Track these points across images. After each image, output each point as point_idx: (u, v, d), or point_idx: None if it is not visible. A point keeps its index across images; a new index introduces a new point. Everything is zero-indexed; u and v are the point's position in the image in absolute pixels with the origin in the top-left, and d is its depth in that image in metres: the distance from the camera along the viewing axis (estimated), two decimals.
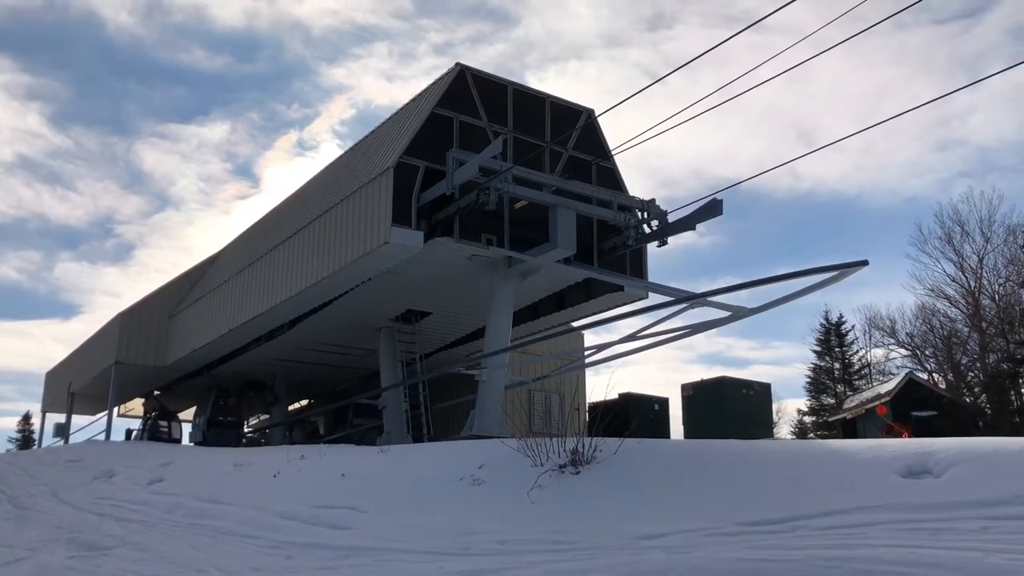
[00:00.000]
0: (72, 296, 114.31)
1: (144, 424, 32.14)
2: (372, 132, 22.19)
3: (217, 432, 28.74)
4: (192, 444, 28.89)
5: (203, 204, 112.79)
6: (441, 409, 22.18)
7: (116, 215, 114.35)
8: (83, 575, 9.77)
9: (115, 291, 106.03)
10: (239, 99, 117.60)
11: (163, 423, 31.24)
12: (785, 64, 11.97)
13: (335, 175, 22.59)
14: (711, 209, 17.78)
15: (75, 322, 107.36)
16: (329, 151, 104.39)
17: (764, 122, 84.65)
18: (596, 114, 20.47)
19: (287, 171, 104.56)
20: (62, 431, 34.59)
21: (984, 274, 36.32)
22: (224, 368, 27.72)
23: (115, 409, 32.06)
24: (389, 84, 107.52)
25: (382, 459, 13.71)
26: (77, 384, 33.00)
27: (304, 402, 33.88)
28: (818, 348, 47.19)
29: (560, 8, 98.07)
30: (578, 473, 10.30)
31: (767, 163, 76.29)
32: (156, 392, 32.91)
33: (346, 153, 23.73)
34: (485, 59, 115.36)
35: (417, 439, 20.23)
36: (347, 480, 12.52)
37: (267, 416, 31.73)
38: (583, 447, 10.62)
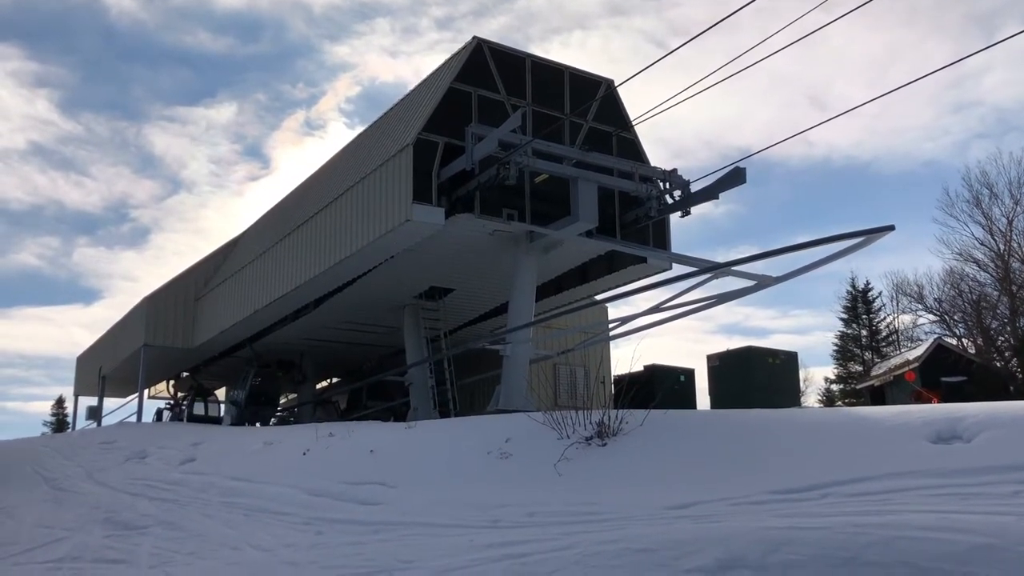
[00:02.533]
0: (92, 281, 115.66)
1: (177, 404, 32.56)
2: (391, 109, 22.14)
3: (254, 410, 27.80)
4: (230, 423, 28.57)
5: (215, 186, 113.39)
6: (466, 385, 22.29)
7: (130, 200, 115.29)
8: (121, 554, 9.95)
9: (133, 276, 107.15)
10: (245, 80, 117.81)
11: (202, 402, 31.53)
12: (793, 28, 11.77)
13: (355, 154, 22.60)
14: (734, 177, 17.62)
15: (97, 307, 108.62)
16: (337, 130, 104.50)
17: (774, 89, 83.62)
18: (615, 84, 20.29)
19: (297, 151, 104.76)
20: (95, 414, 35.16)
21: (1014, 237, 35.75)
22: (250, 349, 27.97)
23: (145, 391, 32.51)
24: (393, 60, 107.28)
25: (410, 435, 13.81)
26: (107, 367, 33.50)
27: (332, 380, 34.16)
28: (845, 316, 46.90)
29: None
30: (604, 445, 10.32)
31: (778, 130, 75.36)
32: (184, 374, 33.32)
33: (365, 131, 23.72)
34: (488, 32, 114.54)
35: (444, 415, 20.34)
36: (375, 456, 12.62)
37: (295, 395, 32.05)
38: (609, 419, 10.62)
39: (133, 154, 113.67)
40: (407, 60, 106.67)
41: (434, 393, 21.03)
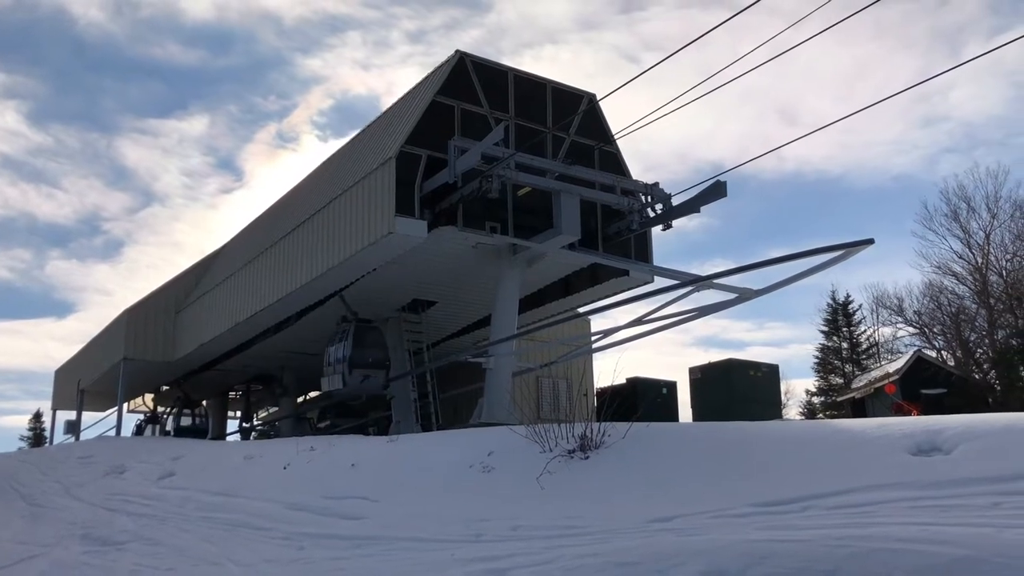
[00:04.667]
0: (65, 294, 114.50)
1: (157, 417, 32.23)
2: (373, 122, 22.14)
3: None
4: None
5: (188, 199, 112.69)
6: (449, 397, 22.23)
7: (103, 212, 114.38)
8: (99, 570, 9.83)
9: (107, 289, 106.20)
10: (216, 92, 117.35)
11: (189, 413, 31.08)
12: (764, 44, 11.96)
13: (337, 166, 22.57)
14: (715, 191, 17.73)
15: (71, 320, 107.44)
16: (310, 143, 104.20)
17: (745, 102, 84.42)
18: (598, 99, 20.39)
19: (270, 164, 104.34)
20: (73, 428, 34.77)
21: (991, 250, 36.17)
22: (232, 362, 27.79)
23: (125, 405, 32.20)
24: (365, 73, 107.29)
25: (391, 449, 13.74)
26: (86, 381, 33.16)
27: (314, 394, 33.97)
28: (825, 328, 47.16)
29: None
30: (587, 458, 10.31)
31: (750, 144, 75.98)
32: (165, 387, 33.04)
33: (348, 143, 23.71)
34: (460, 45, 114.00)
35: (426, 428, 20.27)
36: (357, 470, 12.55)
37: (275, 409, 31.84)
38: (591, 432, 10.62)
39: (105, 166, 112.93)
40: (379, 73, 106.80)
41: (416, 406, 20.96)
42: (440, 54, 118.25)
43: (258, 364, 28.06)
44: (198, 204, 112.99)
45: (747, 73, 10.38)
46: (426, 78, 20.01)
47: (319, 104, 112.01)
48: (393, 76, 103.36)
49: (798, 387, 47.79)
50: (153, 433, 32.41)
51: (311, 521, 10.60)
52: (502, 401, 18.00)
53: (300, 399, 32.46)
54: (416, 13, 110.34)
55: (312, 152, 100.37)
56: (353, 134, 22.38)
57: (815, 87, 74.00)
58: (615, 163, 20.35)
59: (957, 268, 37.07)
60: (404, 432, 18.62)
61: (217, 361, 28.20)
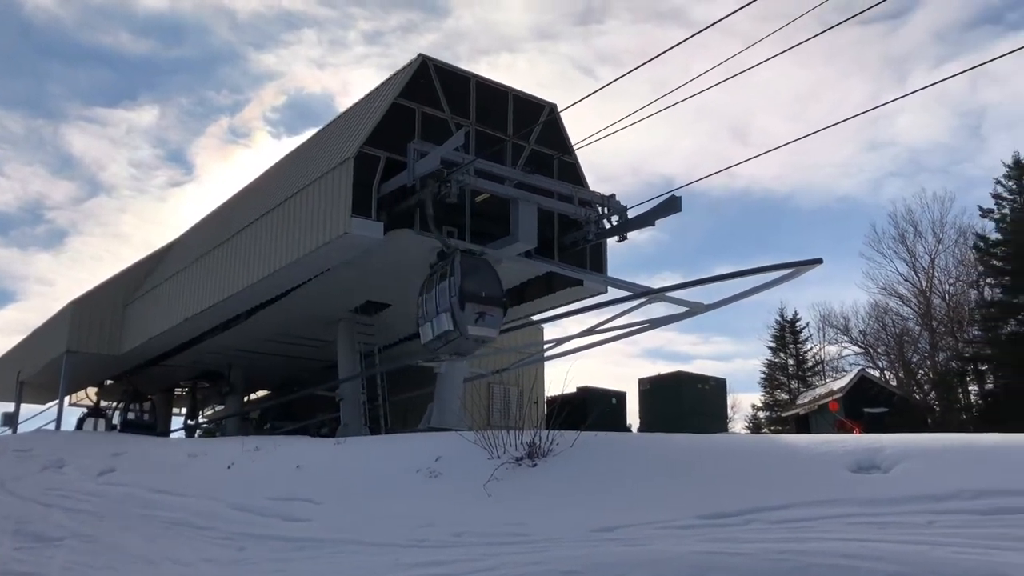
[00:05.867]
0: (5, 283, 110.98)
1: (100, 411, 31.53)
2: (333, 121, 21.98)
3: None
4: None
5: (136, 191, 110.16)
6: (399, 401, 22.10)
7: (46, 200, 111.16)
8: (31, 566, 9.56)
9: (48, 279, 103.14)
10: (167, 84, 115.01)
11: (137, 408, 30.38)
12: (721, 63, 12.19)
13: (294, 164, 22.36)
14: (670, 206, 17.93)
15: (10, 310, 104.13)
16: (262, 139, 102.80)
17: (698, 119, 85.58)
18: (559, 109, 20.49)
19: (221, 158, 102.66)
20: (10, 420, 33.87)
21: (935, 274, 37.17)
22: (180, 357, 27.33)
23: (66, 398, 31.45)
24: (320, 71, 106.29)
25: (338, 451, 13.64)
26: (26, 373, 32.32)
27: (261, 393, 33.56)
28: (773, 344, 47.91)
29: None
30: (535, 466, 10.34)
31: (702, 160, 77.09)
32: (109, 381, 32.35)
33: (306, 142, 23.51)
34: (417, 49, 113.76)
35: (374, 431, 20.14)
36: (302, 472, 12.43)
37: (222, 407, 31.37)
38: (540, 440, 10.66)
39: (50, 154, 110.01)
40: (335, 72, 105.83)
41: (365, 409, 20.81)
42: (397, 56, 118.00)
43: (206, 361, 27.62)
44: (146, 196, 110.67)
45: (702, 92, 10.53)
46: (388, 80, 19.94)
47: (272, 101, 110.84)
48: (348, 76, 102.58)
49: (744, 401, 48.50)
50: (95, 428, 31.68)
51: (254, 521, 10.47)
52: (452, 406, 17.96)
53: (247, 398, 32.08)
54: (373, 14, 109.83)
55: (265, 149, 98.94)
56: (307, 132, 22.34)
57: (767, 107, 75.54)
58: (574, 174, 20.47)
59: (902, 290, 38.05)
60: (352, 435, 18.48)
61: (165, 356, 27.70)
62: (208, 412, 35.34)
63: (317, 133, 22.76)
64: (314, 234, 18.22)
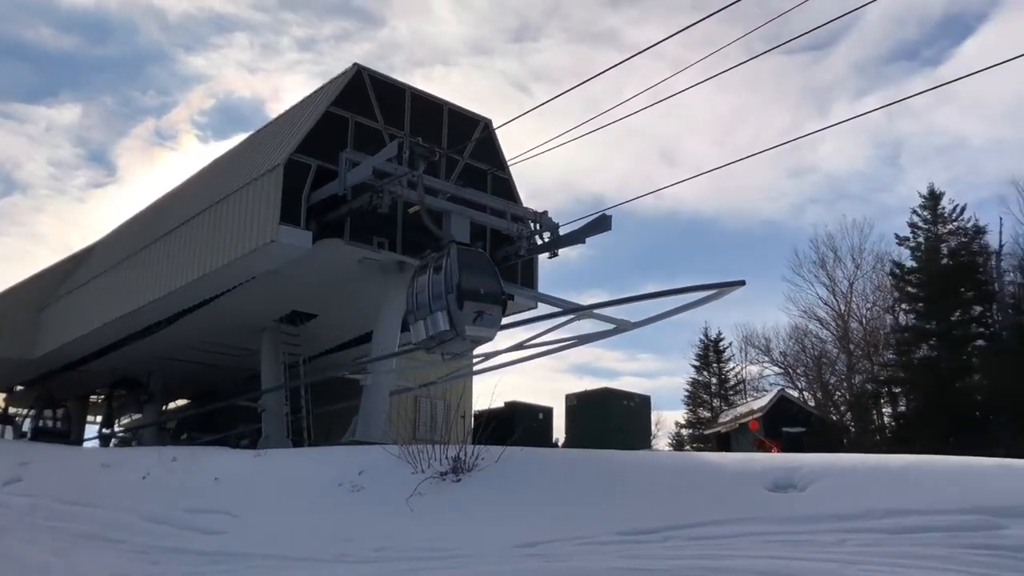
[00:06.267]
0: None
1: (9, 418, 30.30)
2: (264, 127, 21.69)
3: None
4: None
5: (54, 191, 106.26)
6: (324, 414, 21.79)
7: None
8: None
9: None
10: (91, 82, 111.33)
11: (50, 415, 29.23)
12: (646, 83, 12.59)
13: (223, 169, 21.96)
14: (600, 224, 18.16)
15: None
16: (189, 142, 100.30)
17: (628, 139, 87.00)
18: (494, 125, 20.60)
19: (146, 161, 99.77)
20: None
21: (853, 298, 38.34)
22: (98, 363, 26.46)
23: None
24: (251, 76, 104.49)
25: (259, 463, 13.37)
26: None
27: (181, 402, 32.71)
28: (697, 363, 48.73)
29: (424, 12, 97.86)
30: (459, 481, 10.30)
31: (631, 180, 78.37)
32: (19, 387, 31.13)
33: (236, 147, 23.12)
34: (351, 58, 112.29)
35: (297, 444, 19.81)
36: (221, 484, 12.15)
37: (139, 416, 30.46)
38: (465, 455, 10.63)
39: None
40: (266, 77, 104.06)
41: (288, 421, 20.47)
42: (330, 64, 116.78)
43: (125, 368, 26.80)
44: (65, 196, 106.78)
45: (632, 115, 10.75)
46: (321, 88, 19.77)
47: (201, 104, 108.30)
48: (280, 82, 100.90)
49: (668, 419, 49.18)
50: (2, 435, 30.45)
51: (169, 534, 10.18)
52: (377, 420, 17.80)
53: (166, 407, 31.22)
54: (307, 21, 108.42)
55: (192, 152, 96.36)
56: (236, 137, 22.05)
57: (694, 131, 77.26)
58: (507, 189, 20.56)
59: (822, 313, 39.13)
60: (274, 447, 18.15)
61: (81, 362, 26.79)
62: (125, 421, 34.29)
63: (248, 138, 22.42)
64: (241, 241, 17.90)
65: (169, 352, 24.68)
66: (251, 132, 22.48)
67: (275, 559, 8.52)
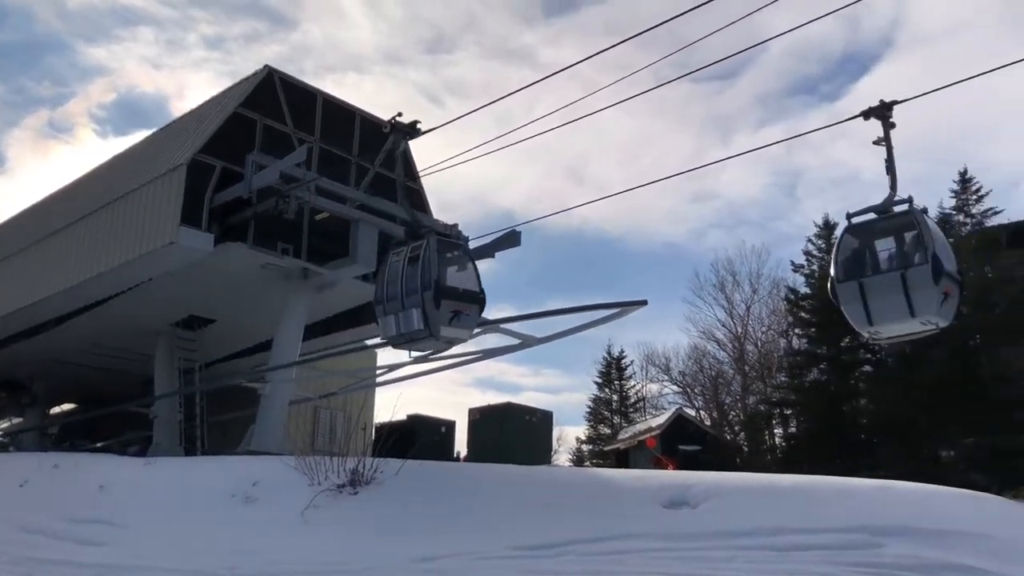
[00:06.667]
0: None
1: None
2: (169, 124, 21.06)
3: None
4: None
5: None
6: (220, 422, 21.16)
7: None
8: None
9: None
10: None
11: None
12: (563, 107, 12.85)
13: (124, 166, 21.18)
14: (510, 239, 18.24)
15: None
16: (86, 136, 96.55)
17: (538, 156, 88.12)
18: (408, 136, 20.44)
19: (38, 153, 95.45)
20: None
21: (750, 322, 39.58)
22: None
23: None
24: (156, 71, 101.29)
25: (147, 472, 12.90)
26: None
27: (68, 406, 31.24)
28: (599, 380, 49.38)
29: (338, 17, 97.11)
30: (356, 494, 10.16)
31: (539, 196, 79.45)
32: None
33: (139, 144, 22.34)
34: (261, 59, 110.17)
35: (190, 452, 19.19)
36: (106, 492, 11.66)
37: (20, 420, 28.98)
38: (363, 467, 10.50)
39: None
40: (171, 73, 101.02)
41: (181, 428, 19.81)
42: (239, 64, 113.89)
43: (6, 369, 25.46)
44: None
45: (544, 133, 10.87)
46: (230, 88, 19.31)
47: (100, 97, 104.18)
48: (185, 79, 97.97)
49: (570, 434, 49.63)
50: None
51: (46, 545, 9.72)
52: (275, 430, 17.41)
53: (50, 411, 29.78)
54: (216, 18, 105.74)
55: (89, 146, 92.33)
56: (136, 133, 21.38)
57: (601, 152, 78.85)
58: (418, 200, 20.45)
59: (719, 335, 40.25)
60: (164, 455, 17.55)
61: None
62: (3, 425, 32.56)
63: (151, 135, 21.71)
64: (139, 241, 17.29)
65: (57, 354, 23.55)
66: (154, 129, 21.80)
67: (161, 571, 8.23)
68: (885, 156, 11.35)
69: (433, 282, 12.27)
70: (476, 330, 13.39)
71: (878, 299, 11.23)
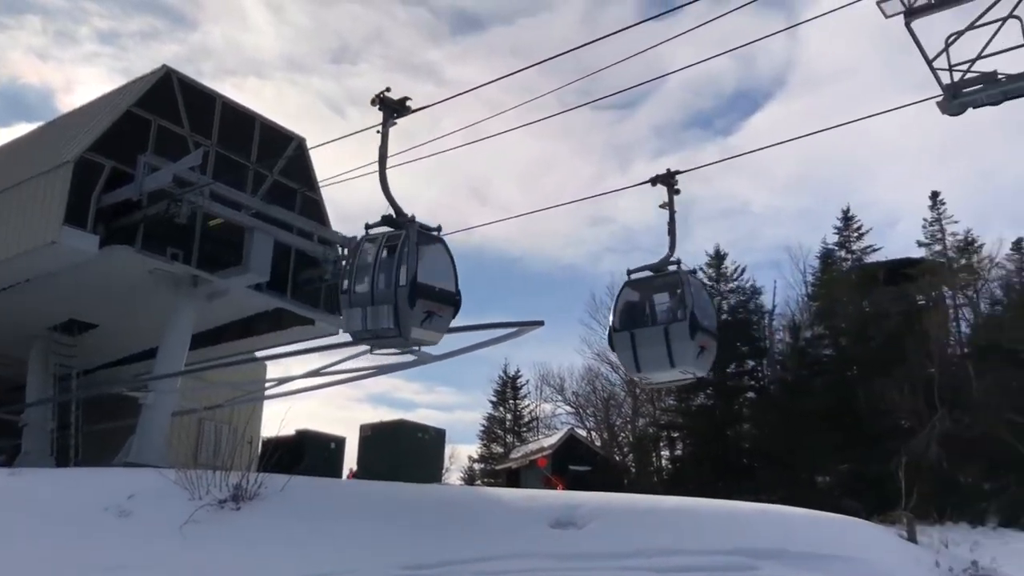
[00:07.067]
0: None
1: None
2: (57, 119, 20.18)
3: None
4: None
5: None
6: (97, 432, 20.23)
7: None
8: None
9: None
10: None
11: None
12: (467, 126, 13.05)
13: (6, 159, 20.14)
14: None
15: None
16: None
17: (440, 173, 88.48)
18: (307, 145, 20.20)
19: None
20: None
21: None
22: None
23: None
24: (42, 63, 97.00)
25: (13, 483, 12.23)
26: None
27: None
28: (494, 398, 49.56)
29: (240, 20, 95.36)
30: (239, 509, 9.89)
31: (442, 212, 79.75)
32: None
33: (23, 137, 21.34)
34: (158, 58, 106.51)
35: (62, 463, 18.29)
36: None
37: None
38: (247, 482, 10.23)
39: None
40: (59, 66, 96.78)
41: (54, 437, 18.87)
42: (134, 61, 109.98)
43: None
44: None
45: (447, 151, 10.92)
46: (125, 86, 18.65)
47: None
48: (75, 73, 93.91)
49: (462, 452, 49.51)
50: None
51: None
52: (156, 441, 16.80)
53: None
54: (111, 12, 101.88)
55: None
56: (18, 125, 20.45)
57: (504, 172, 79.78)
58: (317, 210, 20.15)
59: (613, 358, 40.93)
60: (33, 465, 16.68)
61: None
62: None
63: (38, 129, 20.77)
64: (18, 239, 16.51)
65: None
66: (38, 123, 20.83)
67: None
68: (668, 219, 12.87)
69: (410, 280, 11.37)
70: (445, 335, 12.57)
71: (645, 349, 12.26)
